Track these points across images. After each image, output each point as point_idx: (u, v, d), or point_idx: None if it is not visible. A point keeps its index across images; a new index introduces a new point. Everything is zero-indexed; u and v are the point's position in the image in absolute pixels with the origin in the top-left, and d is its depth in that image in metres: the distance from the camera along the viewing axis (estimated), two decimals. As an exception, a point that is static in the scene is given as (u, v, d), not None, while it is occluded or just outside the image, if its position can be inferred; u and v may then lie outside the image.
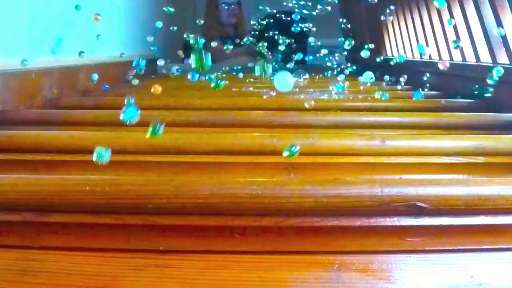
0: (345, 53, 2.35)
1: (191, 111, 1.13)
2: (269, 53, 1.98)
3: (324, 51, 1.83)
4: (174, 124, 1.04)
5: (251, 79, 1.81)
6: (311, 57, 2.00)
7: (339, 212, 0.56)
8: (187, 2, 3.68)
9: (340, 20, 2.27)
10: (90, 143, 0.82)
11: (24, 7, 1.25)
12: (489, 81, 0.91)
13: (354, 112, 1.14)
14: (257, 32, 2.27)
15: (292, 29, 1.73)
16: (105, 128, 0.98)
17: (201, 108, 1.20)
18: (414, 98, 1.20)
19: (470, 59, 1.49)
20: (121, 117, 0.52)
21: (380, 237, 0.57)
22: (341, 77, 1.56)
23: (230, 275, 0.54)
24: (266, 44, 1.58)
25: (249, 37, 2.33)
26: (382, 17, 2.05)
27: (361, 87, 1.61)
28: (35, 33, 1.29)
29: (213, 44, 1.72)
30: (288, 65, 1.80)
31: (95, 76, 1.36)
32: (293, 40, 1.77)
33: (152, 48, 1.68)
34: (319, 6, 1.91)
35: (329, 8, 1.89)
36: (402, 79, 1.53)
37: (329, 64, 2.07)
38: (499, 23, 1.27)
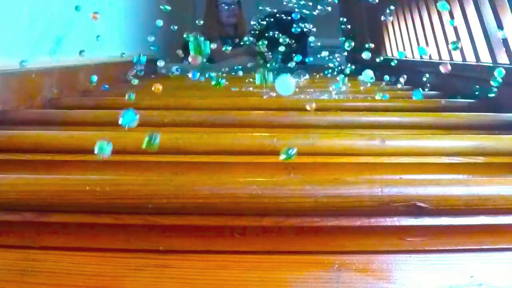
0: (345, 53, 2.35)
1: (191, 111, 1.13)
2: (269, 53, 1.98)
3: (325, 53, 1.84)
4: (174, 124, 1.04)
5: (251, 79, 1.81)
6: (311, 59, 2.00)
7: (339, 212, 0.56)
8: (187, 2, 3.68)
9: (340, 20, 2.27)
10: (90, 143, 0.81)
11: (24, 7, 1.25)
12: (493, 83, 0.91)
13: (354, 112, 1.14)
14: (257, 32, 2.28)
15: (292, 29, 1.73)
16: (105, 128, 0.98)
17: (201, 108, 1.20)
18: (413, 98, 1.20)
19: (470, 59, 1.49)
20: (120, 122, 0.52)
21: (380, 237, 0.57)
22: (340, 77, 1.56)
23: (230, 275, 0.54)
24: (266, 43, 1.58)
25: (249, 37, 2.33)
26: (382, 17, 2.05)
27: (361, 87, 1.61)
28: (35, 33, 1.29)
29: (213, 45, 1.72)
30: (288, 65, 1.81)
31: (94, 78, 1.36)
32: (293, 41, 1.77)
33: (151, 48, 1.68)
34: (319, 7, 1.91)
35: (329, 8, 1.89)
36: (402, 79, 1.53)
37: (329, 64, 2.07)
38: (499, 23, 1.28)
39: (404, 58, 2.12)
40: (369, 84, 1.64)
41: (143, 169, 0.80)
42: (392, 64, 1.62)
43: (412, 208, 0.55)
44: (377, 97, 1.34)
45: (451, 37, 1.62)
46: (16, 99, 1.17)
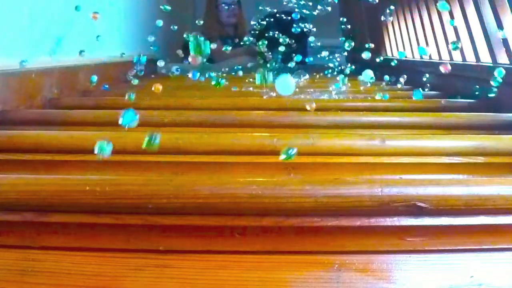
0: (345, 53, 2.36)
1: (191, 111, 1.13)
2: (269, 53, 1.98)
3: (325, 53, 1.84)
4: (174, 124, 1.04)
5: (251, 79, 1.81)
6: (311, 59, 2.00)
7: (339, 212, 0.56)
8: (187, 2, 3.68)
9: (340, 19, 2.27)
10: (90, 143, 0.81)
11: (24, 7, 1.25)
12: (493, 83, 0.91)
13: (354, 112, 1.14)
14: (257, 32, 2.28)
15: (292, 29, 1.73)
16: (105, 128, 0.98)
17: (201, 108, 1.20)
18: (413, 98, 1.20)
19: (470, 59, 1.49)
20: (120, 122, 0.52)
21: (380, 237, 0.57)
22: (340, 77, 1.56)
23: (230, 275, 0.54)
24: (266, 43, 1.58)
25: (249, 37, 2.33)
26: (382, 18, 2.05)
27: (361, 88, 1.61)
28: (35, 33, 1.29)
29: (213, 46, 1.72)
30: (288, 65, 1.81)
31: (94, 78, 1.36)
32: (293, 41, 1.77)
33: (151, 47, 1.68)
34: (319, 7, 1.91)
35: (329, 8, 1.89)
36: (402, 79, 1.53)
37: (329, 64, 2.07)
38: (499, 23, 1.28)
39: (404, 58, 2.12)
40: (369, 84, 1.65)
41: (143, 169, 0.80)
42: (392, 64, 1.62)
43: (412, 208, 0.55)
44: (377, 97, 1.34)
45: (451, 37, 1.62)
46: (16, 99, 1.17)
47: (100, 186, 0.56)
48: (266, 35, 1.82)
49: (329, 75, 2.00)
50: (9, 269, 0.55)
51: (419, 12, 1.93)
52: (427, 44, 1.83)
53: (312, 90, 1.56)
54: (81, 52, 1.35)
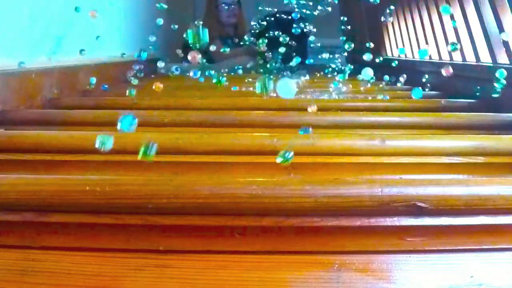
0: (345, 54, 2.36)
1: (191, 111, 1.13)
2: (269, 53, 1.98)
3: (325, 55, 1.84)
4: (174, 124, 1.04)
5: (250, 79, 1.81)
6: (311, 60, 2.00)
7: (339, 212, 0.56)
8: (187, 2, 3.68)
9: (341, 18, 2.27)
10: (90, 143, 0.82)
11: (24, 7, 1.25)
12: (497, 85, 0.91)
13: (354, 112, 1.14)
14: (257, 32, 2.28)
15: (293, 30, 1.73)
16: (105, 128, 0.97)
17: (201, 108, 1.20)
18: (413, 96, 1.19)
19: (470, 59, 1.49)
20: (118, 127, 0.52)
21: (380, 237, 0.57)
22: (340, 77, 1.56)
23: (230, 275, 0.54)
24: (266, 42, 1.58)
25: (249, 37, 2.33)
26: (382, 18, 2.05)
27: (362, 88, 1.61)
28: (35, 33, 1.29)
29: (212, 48, 1.72)
30: (289, 65, 1.81)
31: (94, 80, 1.37)
32: (293, 41, 1.77)
33: (150, 47, 1.68)
34: (319, 7, 1.91)
35: (329, 8, 1.89)
36: (401, 79, 1.53)
37: (329, 64, 2.07)
38: (499, 23, 1.28)
39: (404, 58, 2.12)
40: (369, 85, 1.65)
41: (143, 169, 0.80)
42: (393, 65, 1.63)
43: (412, 208, 0.55)
44: (378, 97, 1.34)
45: (451, 37, 1.62)
46: (16, 99, 1.17)
47: (100, 186, 0.56)
48: (266, 35, 1.82)
49: (329, 75, 2.00)
50: (9, 269, 0.55)
51: (419, 12, 1.93)
52: (426, 43, 1.83)
53: (312, 90, 1.56)
54: (81, 51, 1.35)
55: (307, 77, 1.90)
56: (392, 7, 1.95)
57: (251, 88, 1.59)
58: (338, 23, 2.32)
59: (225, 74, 2.02)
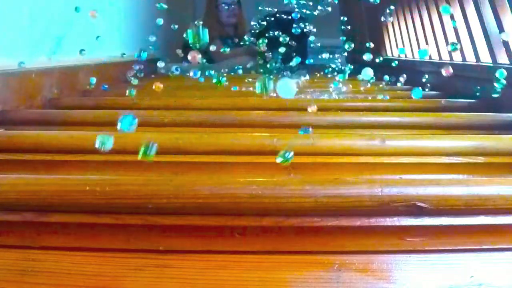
0: (345, 54, 2.36)
1: (191, 111, 1.13)
2: (269, 52, 1.98)
3: (325, 55, 1.84)
4: (174, 124, 1.04)
5: (250, 79, 1.81)
6: (311, 60, 2.00)
7: (339, 212, 0.56)
8: (187, 2, 3.68)
9: (341, 18, 2.27)
10: (90, 143, 0.82)
11: (24, 7, 1.25)
12: (497, 86, 0.91)
13: (354, 112, 1.14)
14: (257, 32, 2.28)
15: (293, 30, 1.73)
16: (105, 128, 0.97)
17: (201, 108, 1.20)
18: (413, 96, 1.20)
19: (470, 59, 1.49)
20: (118, 127, 0.52)
21: (380, 237, 0.57)
22: (340, 77, 1.56)
23: (230, 275, 0.54)
24: (266, 41, 1.58)
25: (249, 37, 2.33)
26: (382, 18, 2.05)
27: (362, 88, 1.61)
28: (35, 33, 1.29)
29: (212, 48, 1.72)
30: (289, 65, 1.81)
31: (93, 80, 1.37)
32: (293, 42, 1.77)
33: (150, 47, 1.68)
34: (319, 7, 1.91)
35: (329, 8, 1.89)
36: (401, 78, 1.53)
37: (329, 64, 2.07)
38: (499, 23, 1.28)
39: (404, 58, 2.12)
40: (369, 85, 1.65)
41: (143, 169, 0.80)
42: (393, 65, 1.63)
43: (412, 208, 0.55)
44: (378, 97, 1.34)
45: (451, 37, 1.62)
46: (16, 99, 1.17)
47: (100, 186, 0.56)
48: (266, 35, 1.82)
49: (329, 75, 2.00)
50: (9, 269, 0.55)
51: (419, 12, 1.93)
52: (426, 43, 1.83)
53: (312, 90, 1.56)
54: (81, 51, 1.35)
55: (307, 77, 1.90)
56: (392, 7, 1.95)
57: (251, 88, 1.59)
58: (338, 23, 2.32)
59: (225, 74, 2.02)
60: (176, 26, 1.56)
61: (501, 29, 1.27)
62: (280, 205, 0.55)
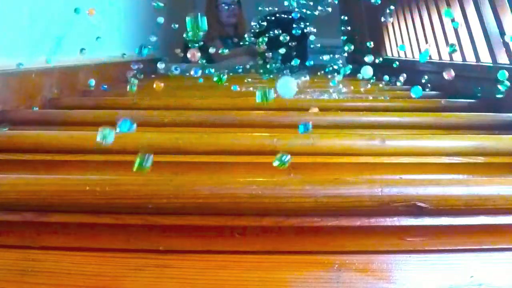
0: (345, 54, 2.36)
1: (191, 111, 1.13)
2: (269, 53, 1.98)
3: (326, 57, 1.83)
4: (174, 124, 1.04)
5: (250, 79, 1.81)
6: (311, 62, 2.00)
7: (339, 212, 0.56)
8: (187, 2, 3.68)
9: (341, 18, 2.27)
10: (90, 143, 0.82)
11: (24, 7, 1.25)
12: (501, 87, 0.91)
13: (354, 112, 1.14)
14: (257, 32, 2.28)
15: (293, 31, 1.73)
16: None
17: (201, 108, 1.20)
18: (412, 94, 1.20)
19: (470, 59, 1.49)
20: (117, 130, 0.52)
21: (380, 237, 0.57)
22: (338, 77, 1.56)
23: (230, 275, 0.54)
24: (266, 40, 1.58)
25: (249, 37, 2.33)
26: (382, 19, 2.05)
27: (362, 89, 1.61)
28: (35, 33, 1.29)
29: (211, 50, 1.73)
30: (289, 65, 1.81)
31: (93, 82, 1.37)
32: (293, 43, 1.77)
33: (150, 47, 1.68)
34: (319, 7, 1.91)
35: (329, 9, 1.89)
36: (401, 78, 1.53)
37: (330, 64, 2.07)
38: (499, 23, 1.28)
39: (404, 58, 2.12)
40: (369, 85, 1.65)
41: (143, 169, 0.80)
42: (394, 66, 1.62)
43: (412, 208, 0.55)
44: (378, 97, 1.34)
45: (451, 37, 1.62)
46: (16, 99, 1.17)
47: (100, 186, 0.56)
48: (266, 35, 1.82)
49: (329, 76, 2.00)
50: (9, 269, 0.55)
51: (419, 12, 1.93)
52: (426, 43, 1.83)
53: (312, 90, 1.56)
54: (81, 50, 1.35)
55: (307, 77, 1.90)
56: (392, 7, 1.95)
57: (251, 88, 1.59)
58: (338, 23, 2.32)
59: (225, 73, 2.01)
60: (177, 26, 1.56)
61: (501, 29, 1.27)
62: (280, 205, 0.55)
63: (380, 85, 1.70)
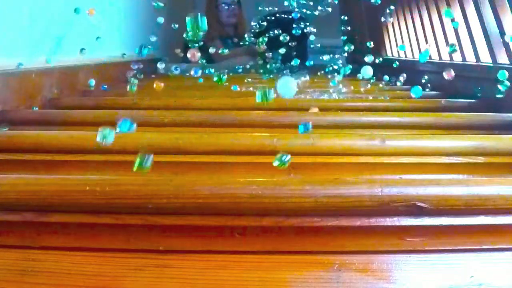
0: (346, 54, 2.36)
1: (191, 111, 1.13)
2: (269, 53, 1.98)
3: (326, 57, 1.83)
4: (174, 124, 1.04)
5: (249, 79, 1.81)
6: (311, 62, 2.00)
7: (339, 212, 0.56)
8: (187, 2, 3.68)
9: (341, 18, 2.27)
10: (90, 143, 0.82)
11: (24, 7, 1.25)
12: (501, 88, 0.91)
13: (354, 112, 1.14)
14: (257, 31, 2.28)
15: (293, 31, 1.73)
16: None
17: (201, 108, 1.20)
18: (412, 94, 1.20)
19: (470, 59, 1.49)
20: (117, 131, 0.52)
21: (380, 237, 0.57)
22: (338, 77, 1.56)
23: (230, 275, 0.54)
24: (266, 40, 1.58)
25: (249, 37, 2.33)
26: (382, 19, 2.05)
27: (362, 89, 1.61)
28: (35, 33, 1.29)
29: (211, 50, 1.73)
30: (289, 65, 1.81)
31: (93, 82, 1.37)
32: (293, 43, 1.77)
33: (149, 47, 1.68)
34: (319, 7, 1.91)
35: (329, 9, 1.89)
36: (401, 78, 1.53)
37: (330, 64, 2.07)
38: (499, 23, 1.28)
39: (404, 58, 2.12)
40: (369, 85, 1.65)
41: (143, 169, 0.80)
42: (394, 66, 1.62)
43: (412, 208, 0.55)
44: (378, 97, 1.34)
45: (451, 37, 1.62)
46: (16, 99, 1.17)
47: (100, 186, 0.56)
48: (266, 35, 1.82)
49: (329, 76, 2.00)
50: (9, 269, 0.55)
51: (419, 12, 1.93)
52: (426, 43, 1.83)
53: (312, 90, 1.56)
54: (82, 50, 1.35)
55: (307, 77, 1.90)
56: (392, 7, 1.95)
57: (251, 88, 1.59)
58: (338, 23, 2.32)
59: (225, 74, 2.01)
60: (177, 26, 1.56)
61: (501, 29, 1.27)
62: (280, 205, 0.55)
63: (380, 85, 1.70)
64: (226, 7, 2.91)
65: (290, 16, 1.80)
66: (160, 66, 1.64)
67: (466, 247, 0.56)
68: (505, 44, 1.25)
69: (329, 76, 1.92)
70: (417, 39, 1.99)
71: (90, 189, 0.56)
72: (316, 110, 1.12)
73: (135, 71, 1.39)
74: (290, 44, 1.71)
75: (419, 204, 0.55)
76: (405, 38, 2.16)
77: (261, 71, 2.21)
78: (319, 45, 2.01)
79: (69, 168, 0.82)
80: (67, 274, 0.54)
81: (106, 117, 1.04)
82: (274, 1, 2.36)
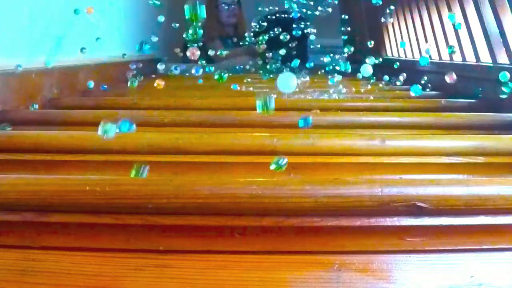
0: (345, 54, 2.36)
1: (191, 111, 1.13)
2: (269, 53, 1.98)
3: (326, 59, 1.84)
4: (174, 124, 1.04)
5: (249, 79, 1.81)
6: (312, 64, 2.00)
7: (339, 212, 0.56)
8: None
9: (341, 18, 2.27)
10: (90, 143, 0.82)
11: (24, 7, 1.25)
12: (505, 89, 0.91)
13: (354, 112, 1.14)
14: (257, 31, 2.28)
15: (293, 32, 1.72)
16: (105, 128, 0.97)
17: (201, 108, 1.20)
18: (412, 93, 1.19)
19: (470, 59, 1.49)
20: (118, 130, 0.52)
21: (380, 237, 0.57)
22: (339, 77, 1.56)
23: (230, 275, 0.54)
24: (266, 38, 1.58)
25: (249, 37, 2.33)
26: (382, 19, 2.05)
27: (362, 90, 1.61)
28: (35, 33, 1.29)
29: (210, 52, 1.72)
30: (289, 65, 1.81)
31: (92, 84, 1.37)
32: (293, 43, 1.76)
33: (149, 47, 1.68)
34: (319, 7, 1.91)
35: (329, 9, 1.89)
36: (401, 77, 1.53)
37: (328, 65, 2.07)
38: (499, 23, 1.28)
39: (404, 58, 2.12)
40: (369, 85, 1.65)
41: (143, 169, 0.80)
42: (395, 66, 1.62)
43: (412, 208, 0.55)
44: (379, 97, 1.34)
45: (451, 37, 1.62)
46: (16, 99, 1.17)
47: (100, 186, 0.56)
48: (266, 35, 1.82)
49: (329, 76, 2.00)
50: (9, 269, 0.55)
51: (419, 12, 1.93)
52: (426, 43, 1.83)
53: (312, 90, 1.56)
54: (82, 49, 1.35)
55: (307, 77, 1.90)
56: (392, 7, 1.95)
57: (251, 88, 1.59)
58: (338, 23, 2.32)
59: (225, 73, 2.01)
60: (177, 25, 1.56)
61: (501, 29, 1.27)
62: (280, 205, 0.55)
63: (380, 85, 1.70)
64: (226, 7, 2.90)
65: (290, 17, 1.80)
66: (160, 67, 1.65)
67: (466, 247, 0.56)
68: (505, 44, 1.25)
69: (329, 76, 1.92)
70: (417, 39, 1.99)
71: (90, 189, 0.56)
72: (317, 111, 1.12)
73: (135, 71, 1.39)
74: (290, 44, 1.71)
75: (419, 204, 0.55)
76: (405, 38, 2.16)
77: (261, 71, 2.21)
78: (319, 45, 2.02)
79: (69, 168, 0.82)
80: (67, 274, 0.54)
81: (106, 117, 1.04)
82: (274, 1, 2.36)
